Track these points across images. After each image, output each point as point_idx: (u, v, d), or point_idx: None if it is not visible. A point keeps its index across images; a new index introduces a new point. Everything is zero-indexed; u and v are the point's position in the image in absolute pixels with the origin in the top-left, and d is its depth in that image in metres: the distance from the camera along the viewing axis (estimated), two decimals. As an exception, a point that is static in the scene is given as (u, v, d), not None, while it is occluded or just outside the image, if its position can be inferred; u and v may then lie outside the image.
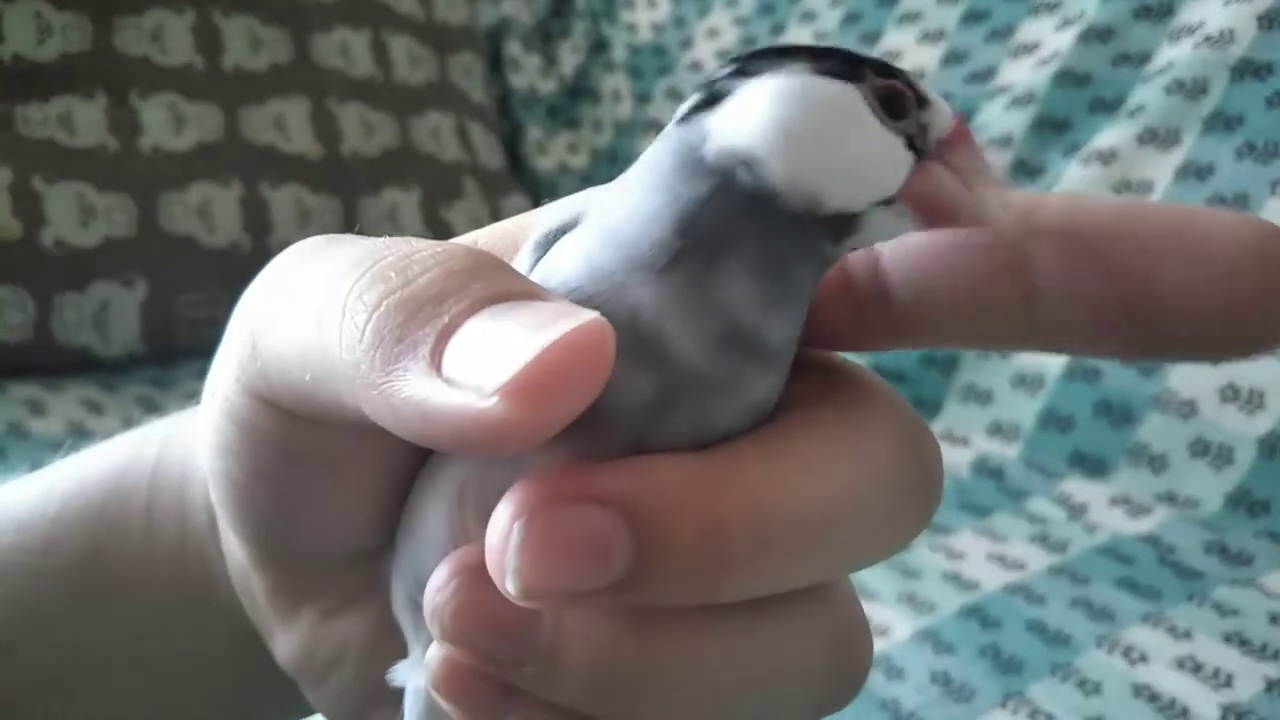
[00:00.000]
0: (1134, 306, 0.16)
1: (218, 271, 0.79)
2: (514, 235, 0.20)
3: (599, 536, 0.15)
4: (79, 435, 0.67)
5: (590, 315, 0.14)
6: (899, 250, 0.18)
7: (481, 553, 0.16)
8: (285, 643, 0.23)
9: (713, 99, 0.17)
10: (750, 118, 0.16)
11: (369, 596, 0.22)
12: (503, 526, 0.15)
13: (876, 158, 0.16)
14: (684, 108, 0.17)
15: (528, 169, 1.09)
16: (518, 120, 1.13)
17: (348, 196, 0.89)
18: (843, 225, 0.16)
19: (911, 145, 0.16)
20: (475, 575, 0.16)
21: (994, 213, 0.16)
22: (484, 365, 0.14)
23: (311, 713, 0.27)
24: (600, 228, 0.17)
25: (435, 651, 0.17)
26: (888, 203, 0.16)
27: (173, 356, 0.79)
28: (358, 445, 0.19)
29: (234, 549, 0.23)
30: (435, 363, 0.15)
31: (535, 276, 0.17)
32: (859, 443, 0.17)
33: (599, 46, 1.13)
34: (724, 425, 0.17)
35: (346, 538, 0.21)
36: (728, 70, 0.17)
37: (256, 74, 0.88)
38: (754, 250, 0.16)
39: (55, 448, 0.68)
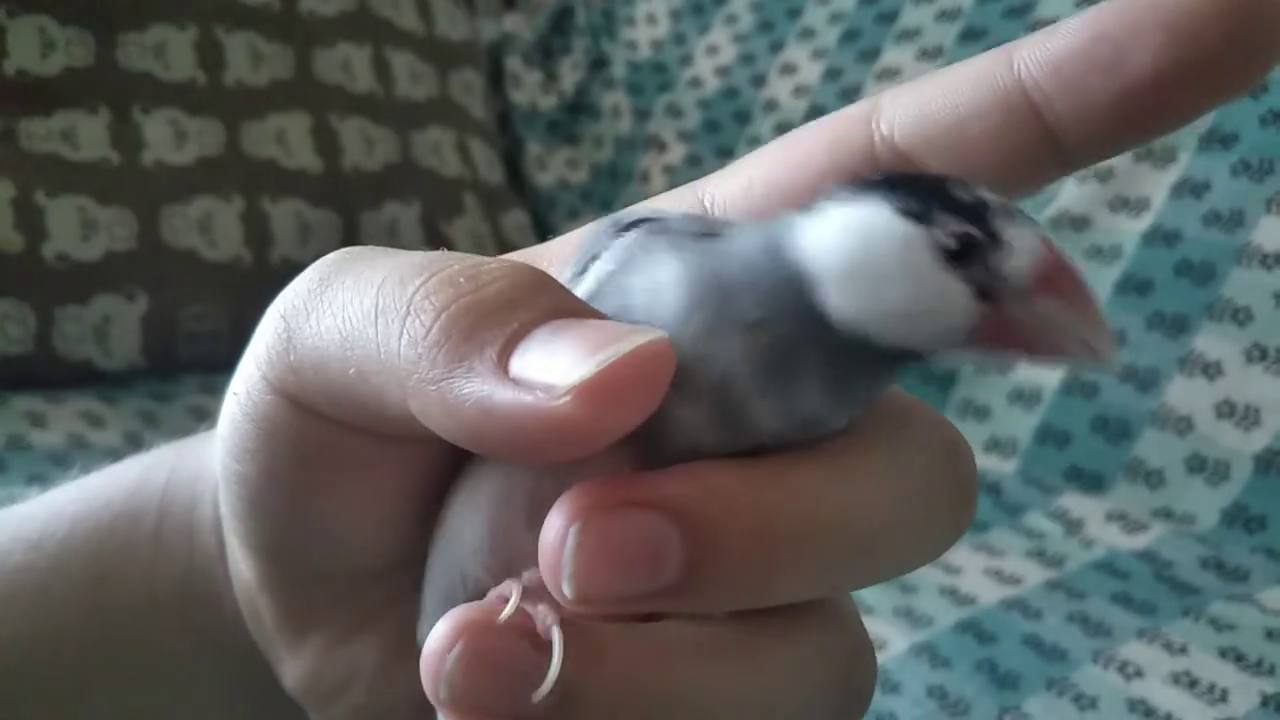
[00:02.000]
0: (1134, 92, 0.17)
1: (219, 285, 0.79)
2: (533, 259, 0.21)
3: (652, 541, 0.16)
4: (79, 448, 0.68)
5: (658, 333, 0.15)
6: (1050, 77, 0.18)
7: (485, 610, 0.16)
8: (293, 668, 0.23)
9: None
10: (824, 241, 0.16)
11: (377, 622, 0.22)
12: (558, 531, 0.16)
13: (934, 307, 0.16)
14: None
15: (528, 184, 1.09)
16: (518, 136, 1.13)
17: (348, 211, 0.89)
18: (907, 356, 0.17)
19: (983, 291, 0.16)
20: (483, 631, 0.16)
21: (1100, 359, 0.16)
22: (556, 367, 0.15)
23: None
24: (692, 264, 0.17)
25: None
26: (955, 344, 0.16)
27: (173, 370, 0.79)
28: (377, 452, 0.20)
29: (242, 570, 0.23)
30: (503, 364, 0.15)
31: (611, 287, 0.18)
32: (901, 455, 0.18)
33: (599, 63, 1.14)
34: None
35: (356, 552, 0.21)
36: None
37: (258, 89, 0.88)
38: (821, 355, 0.17)
39: (56, 460, 0.68)
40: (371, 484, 0.20)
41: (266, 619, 0.23)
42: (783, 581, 0.16)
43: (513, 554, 0.18)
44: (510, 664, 0.16)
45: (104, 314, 0.76)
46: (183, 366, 0.79)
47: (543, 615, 0.16)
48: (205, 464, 0.24)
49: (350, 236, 0.88)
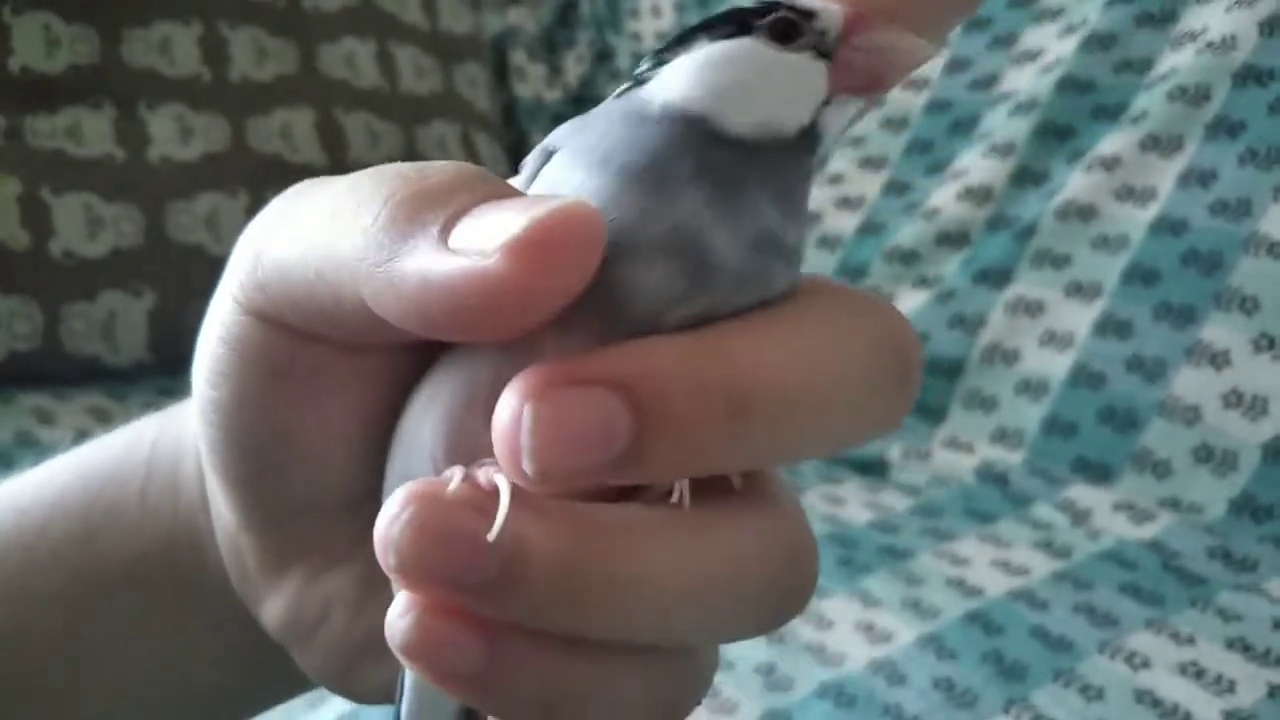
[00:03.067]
0: None
1: (225, 281, 0.79)
2: None
3: (602, 414, 0.16)
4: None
5: (582, 199, 0.16)
6: None
7: (433, 482, 0.17)
8: (273, 606, 0.24)
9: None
10: (687, 85, 0.19)
11: (354, 552, 0.23)
12: (513, 410, 0.16)
13: (793, 79, 0.19)
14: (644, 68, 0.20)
15: (533, 178, 1.09)
16: (523, 129, 1.13)
17: (354, 206, 0.89)
18: (807, 137, 0.19)
19: (819, 52, 0.19)
20: (430, 500, 0.16)
21: (916, 56, 0.19)
22: (488, 233, 0.16)
23: (298, 693, 0.28)
24: (595, 161, 0.19)
25: (397, 606, 0.17)
26: (826, 103, 0.19)
27: (180, 365, 0.78)
28: (345, 367, 0.21)
29: (224, 512, 0.24)
30: (443, 239, 0.16)
31: (540, 189, 0.19)
32: (839, 325, 0.18)
33: (604, 55, 1.14)
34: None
35: (329, 479, 0.22)
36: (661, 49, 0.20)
37: (263, 84, 0.88)
38: (756, 173, 0.18)
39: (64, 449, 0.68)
40: (341, 401, 0.21)
41: (248, 559, 0.24)
42: (722, 445, 0.17)
43: (470, 446, 0.19)
44: (456, 529, 0.16)
45: (111, 310, 0.76)
46: (189, 361, 0.79)
47: (488, 474, 0.17)
48: (190, 422, 0.25)
49: (356, 231, 0.88)
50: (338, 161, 0.89)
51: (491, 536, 0.16)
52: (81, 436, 0.68)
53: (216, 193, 0.82)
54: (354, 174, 0.19)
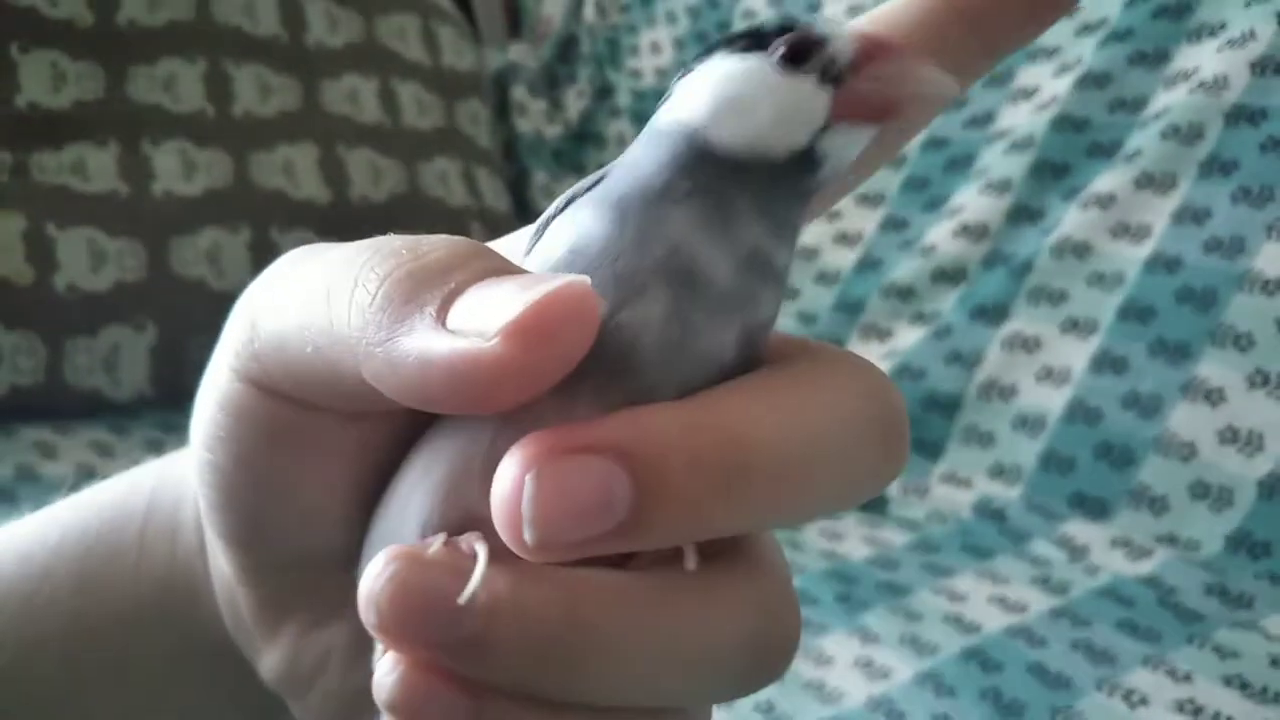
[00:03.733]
0: None
1: (227, 315, 0.79)
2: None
3: (604, 483, 0.16)
4: (89, 478, 0.68)
5: (580, 278, 0.16)
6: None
7: (415, 546, 0.17)
8: (270, 657, 0.24)
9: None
10: (690, 100, 0.19)
11: (349, 607, 0.23)
12: (514, 479, 0.17)
13: (786, 101, 0.19)
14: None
15: (534, 212, 1.10)
16: (524, 164, 1.14)
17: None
18: (804, 161, 0.19)
19: (826, 78, 0.19)
20: (411, 561, 0.17)
21: (935, 88, 0.19)
22: (487, 314, 0.16)
23: None
24: (599, 197, 0.19)
25: (383, 664, 0.17)
26: (825, 129, 0.19)
27: (182, 399, 0.78)
28: (339, 433, 0.21)
29: (221, 565, 0.24)
30: (440, 319, 0.16)
31: (547, 240, 0.19)
32: (828, 388, 0.19)
33: (604, 92, 1.15)
34: (733, 351, 0.18)
35: (323, 538, 0.22)
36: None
37: (266, 120, 0.89)
38: (749, 193, 0.19)
39: (64, 491, 0.68)
40: (335, 465, 0.21)
41: (244, 611, 0.24)
42: (720, 511, 0.17)
43: (464, 512, 0.19)
44: (432, 589, 0.17)
45: (113, 344, 0.77)
46: (191, 396, 0.79)
47: (469, 540, 0.17)
48: (189, 472, 0.25)
49: (357, 266, 0.89)
50: (340, 197, 0.90)
51: (463, 599, 0.16)
52: (83, 470, 0.69)
53: (219, 228, 0.83)
54: (350, 246, 0.19)
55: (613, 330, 0.18)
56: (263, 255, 0.84)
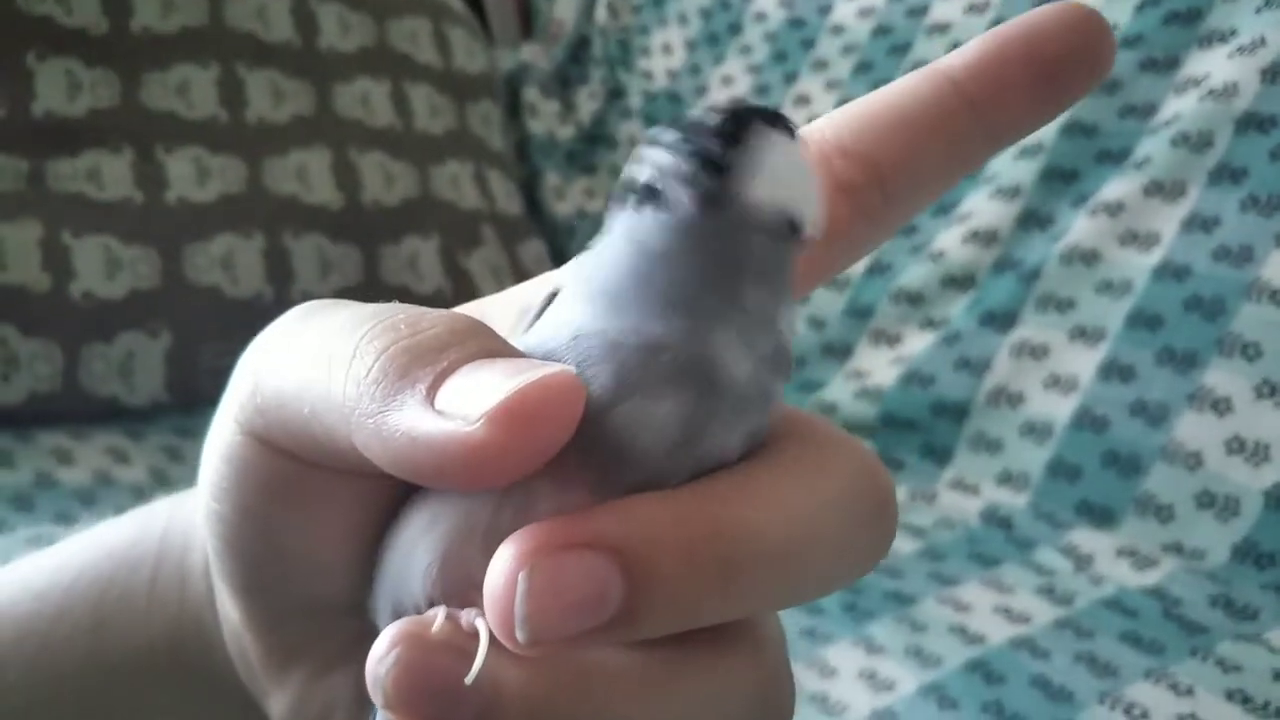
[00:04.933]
0: (1047, 73, 0.21)
1: (241, 321, 0.80)
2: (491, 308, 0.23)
3: (595, 580, 0.17)
4: (106, 484, 0.69)
5: (566, 368, 0.17)
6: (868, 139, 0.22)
7: (419, 622, 0.18)
8: (278, 702, 0.25)
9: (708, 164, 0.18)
10: (771, 182, 0.18)
11: (355, 655, 0.24)
12: (507, 575, 0.17)
13: (816, 182, 0.19)
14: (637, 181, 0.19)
15: (546, 214, 1.10)
16: (536, 166, 1.14)
17: (368, 246, 0.90)
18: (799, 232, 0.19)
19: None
20: (415, 642, 0.17)
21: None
22: (473, 398, 0.16)
23: None
24: (593, 293, 0.19)
25: None
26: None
27: (197, 405, 0.80)
28: (339, 487, 0.21)
29: (228, 611, 0.25)
30: (430, 398, 0.17)
31: (538, 333, 0.20)
32: (817, 475, 0.19)
33: (616, 93, 1.15)
34: (736, 440, 0.18)
35: (328, 587, 0.23)
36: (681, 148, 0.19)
37: (279, 125, 0.90)
38: (766, 274, 0.18)
39: (83, 498, 0.69)
40: (336, 518, 0.22)
41: (251, 657, 0.25)
42: (714, 603, 0.17)
43: (466, 573, 0.19)
44: (437, 672, 0.17)
45: (129, 350, 0.78)
46: (205, 401, 0.79)
47: (470, 615, 0.18)
48: (197, 514, 0.26)
49: (370, 271, 0.90)
50: (352, 202, 0.91)
51: (469, 680, 0.17)
52: (100, 476, 0.70)
53: (232, 234, 0.84)
54: (354, 310, 0.20)
55: (614, 419, 0.18)
56: (276, 261, 0.85)
